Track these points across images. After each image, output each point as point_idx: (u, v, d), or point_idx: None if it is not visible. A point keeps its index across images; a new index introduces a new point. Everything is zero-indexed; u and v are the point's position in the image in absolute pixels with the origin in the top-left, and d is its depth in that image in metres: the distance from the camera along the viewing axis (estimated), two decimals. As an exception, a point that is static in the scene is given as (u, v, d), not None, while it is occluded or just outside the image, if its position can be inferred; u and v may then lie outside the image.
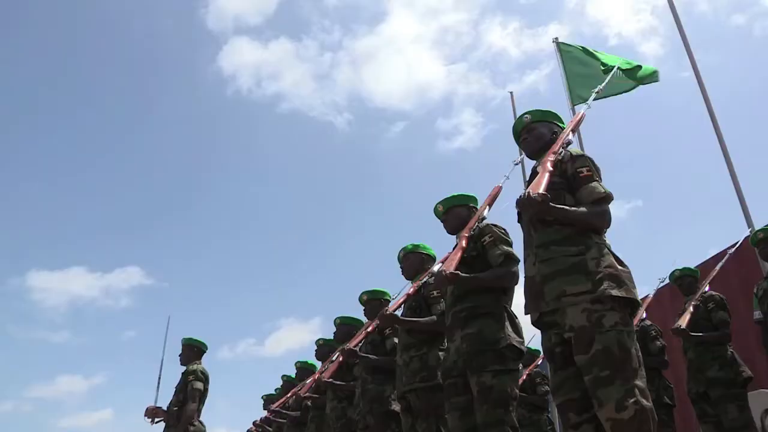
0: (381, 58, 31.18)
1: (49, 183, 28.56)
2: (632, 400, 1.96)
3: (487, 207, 3.00)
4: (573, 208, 2.27)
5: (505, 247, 2.92)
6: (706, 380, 4.21)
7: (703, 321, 4.34)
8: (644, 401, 1.98)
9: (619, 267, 2.21)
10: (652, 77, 6.77)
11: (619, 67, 6.41)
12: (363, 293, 4.23)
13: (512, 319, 2.90)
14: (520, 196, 2.24)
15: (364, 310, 4.25)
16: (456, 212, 3.19)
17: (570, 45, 7.73)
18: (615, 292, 2.10)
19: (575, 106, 7.09)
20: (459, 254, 2.82)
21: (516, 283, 2.94)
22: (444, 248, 3.13)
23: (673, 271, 4.79)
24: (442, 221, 3.27)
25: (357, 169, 30.14)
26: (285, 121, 29.78)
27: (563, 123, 2.67)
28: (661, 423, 4.10)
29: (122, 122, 28.92)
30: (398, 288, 3.60)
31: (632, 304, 2.17)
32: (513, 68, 29.76)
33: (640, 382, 2.02)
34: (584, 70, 7.30)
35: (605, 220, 2.30)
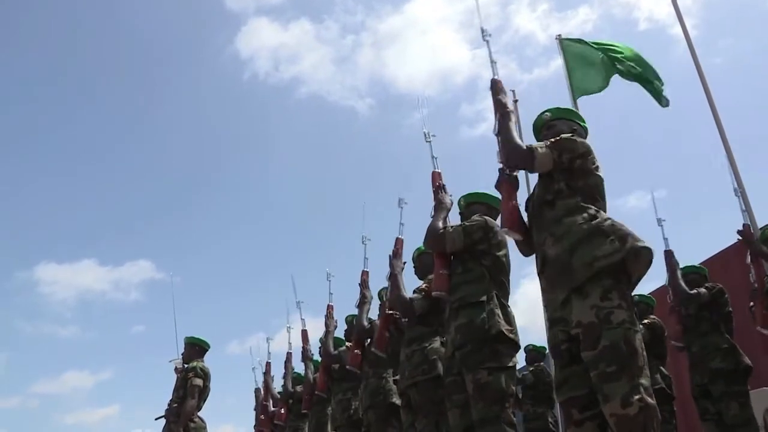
0: (405, 40, 30.06)
1: (59, 173, 28.25)
2: (637, 397, 1.98)
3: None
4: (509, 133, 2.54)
5: (458, 225, 3.09)
6: (710, 372, 4.23)
7: (706, 313, 4.38)
8: (649, 399, 2.00)
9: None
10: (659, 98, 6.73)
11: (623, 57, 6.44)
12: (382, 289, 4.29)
13: (504, 307, 2.93)
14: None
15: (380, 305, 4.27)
16: (474, 209, 3.26)
17: (572, 40, 7.70)
18: (640, 244, 2.17)
19: (576, 101, 7.08)
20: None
21: (438, 242, 3.09)
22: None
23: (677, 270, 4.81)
24: (460, 214, 3.36)
25: (376, 157, 29.49)
26: (303, 106, 29.06)
27: (584, 121, 2.71)
28: (663, 419, 4.12)
29: (133, 112, 28.17)
30: (410, 284, 3.72)
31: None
32: (540, 53, 29.26)
33: (645, 381, 2.04)
34: (586, 65, 7.29)
35: (511, 152, 2.48)
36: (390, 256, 3.81)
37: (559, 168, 2.38)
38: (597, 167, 2.42)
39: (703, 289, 4.40)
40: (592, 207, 2.30)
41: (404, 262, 3.83)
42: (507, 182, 2.64)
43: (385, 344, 3.72)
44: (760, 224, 5.19)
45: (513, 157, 2.49)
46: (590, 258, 2.17)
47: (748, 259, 4.30)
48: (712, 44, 21.78)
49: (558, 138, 2.42)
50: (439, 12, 29.36)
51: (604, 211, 2.36)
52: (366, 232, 4.53)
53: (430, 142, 3.65)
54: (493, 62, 2.92)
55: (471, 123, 28.74)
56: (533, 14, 28.24)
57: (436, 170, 3.50)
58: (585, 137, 2.60)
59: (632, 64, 6.76)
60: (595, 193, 2.38)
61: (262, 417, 6.01)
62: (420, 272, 3.75)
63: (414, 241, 3.87)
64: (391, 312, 3.73)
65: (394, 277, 3.68)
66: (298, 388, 5.39)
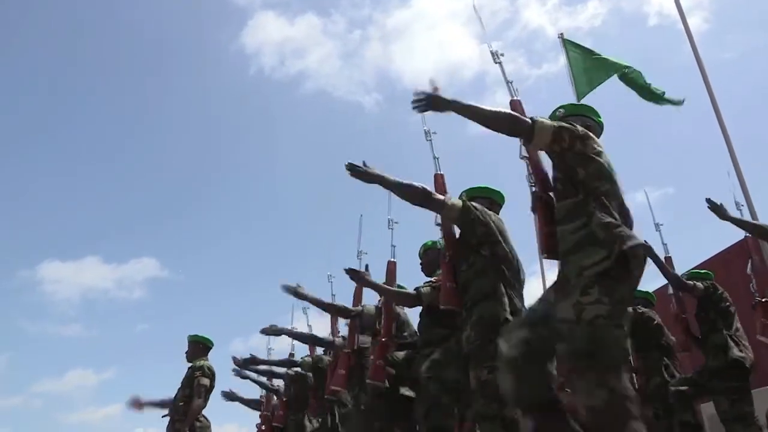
0: (412, 34, 29.98)
1: (62, 171, 28.48)
2: (604, 391, 1.98)
3: None
4: (479, 105, 2.36)
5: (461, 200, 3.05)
6: (708, 371, 4.31)
7: (703, 314, 4.44)
8: (622, 392, 2.00)
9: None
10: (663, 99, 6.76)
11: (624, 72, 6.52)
12: None
13: (512, 299, 2.92)
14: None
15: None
16: (477, 203, 3.23)
17: (575, 44, 7.74)
18: (628, 244, 2.11)
19: (580, 101, 7.10)
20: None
21: (428, 200, 2.98)
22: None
23: (682, 275, 4.80)
24: None
25: (383, 153, 29.22)
26: (309, 101, 28.89)
27: (599, 117, 2.68)
28: (656, 417, 4.20)
29: (137, 108, 28.34)
30: (417, 281, 3.73)
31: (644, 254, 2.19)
32: (549, 48, 29.07)
33: (617, 376, 2.03)
34: (588, 66, 7.34)
35: (508, 120, 2.35)
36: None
37: (559, 151, 2.33)
38: (599, 152, 2.36)
39: (699, 284, 4.41)
40: (590, 206, 2.25)
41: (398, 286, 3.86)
42: (542, 205, 2.51)
43: (382, 375, 3.68)
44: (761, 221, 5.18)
45: (507, 123, 2.37)
46: (577, 269, 2.17)
47: (749, 268, 4.28)
48: (722, 39, 21.56)
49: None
50: (447, 6, 29.14)
51: (612, 196, 2.29)
52: (363, 246, 4.48)
53: (430, 140, 3.54)
54: (509, 82, 2.82)
55: (477, 119, 28.35)
56: (542, 8, 27.98)
57: (439, 172, 3.42)
58: (600, 133, 2.59)
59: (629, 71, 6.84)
60: (599, 180, 2.31)
61: (263, 428, 6.10)
62: (427, 268, 3.77)
63: (422, 236, 3.88)
64: (385, 340, 3.71)
65: (381, 288, 3.72)
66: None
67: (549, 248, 2.41)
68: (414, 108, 2.46)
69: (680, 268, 4.97)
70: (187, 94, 28.77)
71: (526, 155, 2.63)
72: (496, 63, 2.91)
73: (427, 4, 29.85)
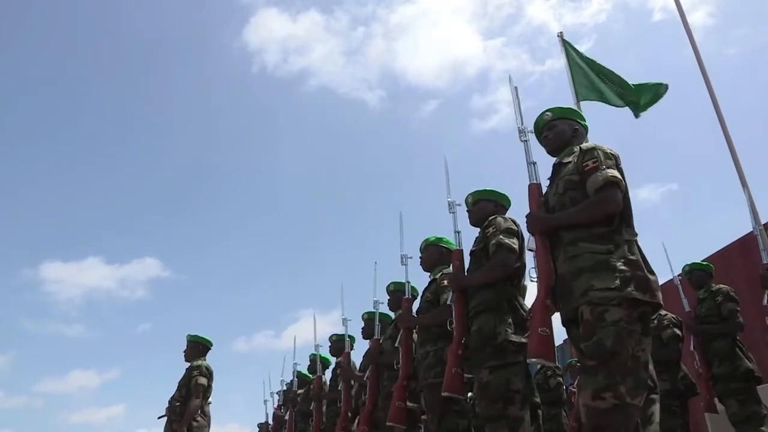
0: (416, 31, 30.00)
1: (64, 170, 28.48)
2: (611, 394, 1.97)
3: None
4: (565, 212, 2.32)
5: (501, 237, 2.93)
6: (713, 375, 4.30)
7: (713, 314, 4.43)
8: (626, 399, 1.97)
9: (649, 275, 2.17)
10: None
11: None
12: (390, 283, 4.29)
13: (515, 311, 2.89)
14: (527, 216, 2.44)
15: (388, 300, 4.31)
16: (482, 206, 3.24)
17: (574, 48, 7.74)
18: (639, 296, 2.08)
19: (579, 103, 7.07)
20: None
21: (507, 272, 2.92)
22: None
23: (684, 266, 4.87)
24: (468, 211, 3.35)
25: (385, 151, 29.01)
26: (312, 99, 28.82)
27: (584, 120, 2.67)
28: (673, 414, 4.15)
29: (139, 107, 28.30)
30: (422, 280, 3.77)
31: (653, 307, 2.15)
32: (553, 43, 28.68)
33: (628, 382, 2.00)
34: (587, 70, 7.33)
35: (604, 206, 2.24)
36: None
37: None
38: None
39: (732, 307, 4.39)
40: (620, 237, 2.21)
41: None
42: (542, 308, 2.32)
43: (403, 417, 3.61)
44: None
45: (607, 206, 2.24)
46: (587, 286, 2.15)
47: (765, 300, 4.20)
48: (727, 34, 21.54)
49: (595, 158, 2.31)
50: (451, 3, 29.08)
51: (632, 229, 2.28)
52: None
53: (454, 212, 3.45)
54: (532, 164, 2.67)
55: (482, 115, 28.43)
56: (546, 3, 27.93)
57: (459, 248, 3.33)
58: (585, 136, 2.59)
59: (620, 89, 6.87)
60: (629, 207, 2.30)
61: None
62: (425, 263, 3.77)
63: (425, 235, 3.86)
64: (405, 383, 3.66)
65: (422, 321, 3.62)
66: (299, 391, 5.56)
67: (547, 352, 2.30)
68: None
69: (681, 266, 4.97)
70: (189, 92, 28.80)
71: (532, 248, 2.49)
72: (521, 141, 2.76)
73: (430, 0, 29.68)
